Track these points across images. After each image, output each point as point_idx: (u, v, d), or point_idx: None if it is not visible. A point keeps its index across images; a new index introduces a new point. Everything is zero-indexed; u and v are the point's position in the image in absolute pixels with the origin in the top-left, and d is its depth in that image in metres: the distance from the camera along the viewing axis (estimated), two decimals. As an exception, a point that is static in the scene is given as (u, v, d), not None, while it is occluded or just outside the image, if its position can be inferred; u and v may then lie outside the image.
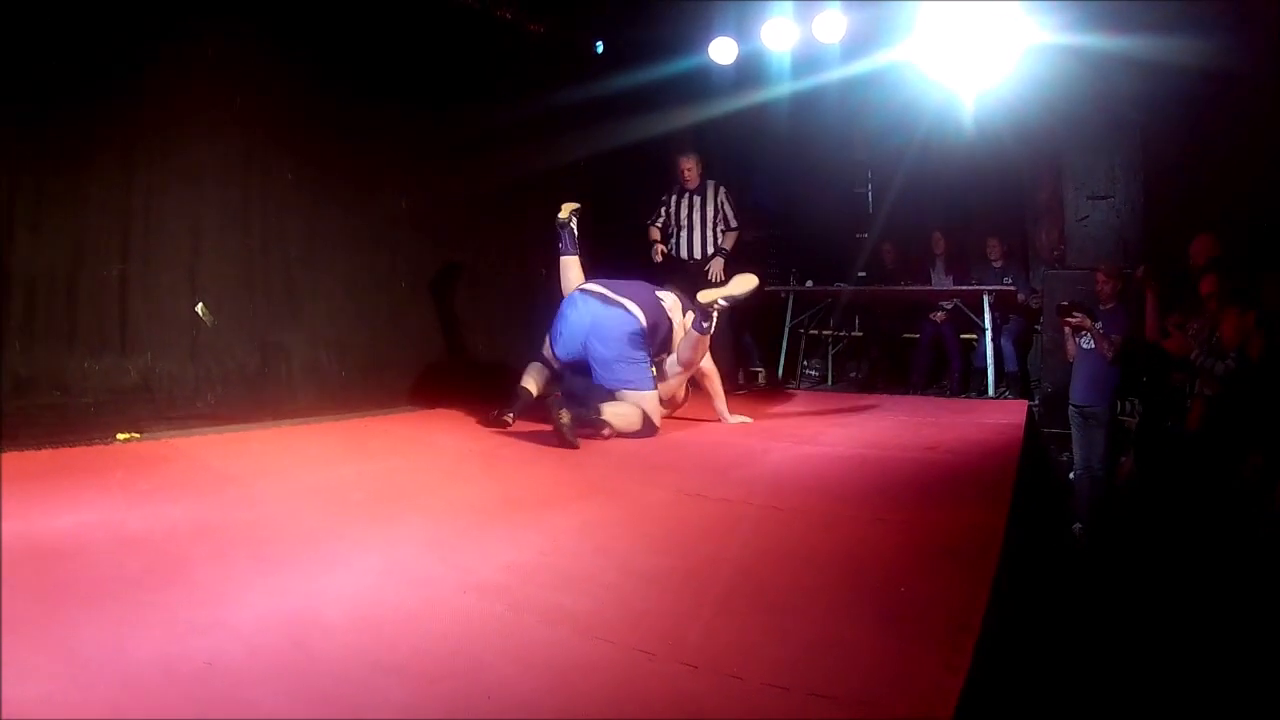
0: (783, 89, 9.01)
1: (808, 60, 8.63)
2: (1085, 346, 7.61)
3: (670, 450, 5.28)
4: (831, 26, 8.15)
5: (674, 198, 8.64)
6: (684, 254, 8.62)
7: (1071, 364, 7.77)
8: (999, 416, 6.93)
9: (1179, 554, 5.47)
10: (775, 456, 5.22)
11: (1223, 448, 5.85)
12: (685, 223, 8.61)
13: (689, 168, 8.48)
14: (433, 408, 7.03)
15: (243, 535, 3.34)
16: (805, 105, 9.50)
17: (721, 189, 8.60)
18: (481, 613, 2.56)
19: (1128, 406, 7.69)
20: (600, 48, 9.23)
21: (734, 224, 8.59)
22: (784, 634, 2.42)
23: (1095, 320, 7.52)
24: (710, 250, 8.57)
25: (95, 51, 5.38)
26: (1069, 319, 7.63)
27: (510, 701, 2.02)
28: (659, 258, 8.52)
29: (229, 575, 2.83)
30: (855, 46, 8.33)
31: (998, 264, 9.72)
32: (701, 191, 8.59)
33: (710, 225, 8.59)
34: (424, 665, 2.20)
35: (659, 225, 8.70)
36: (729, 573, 2.96)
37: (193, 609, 2.52)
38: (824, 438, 5.87)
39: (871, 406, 7.77)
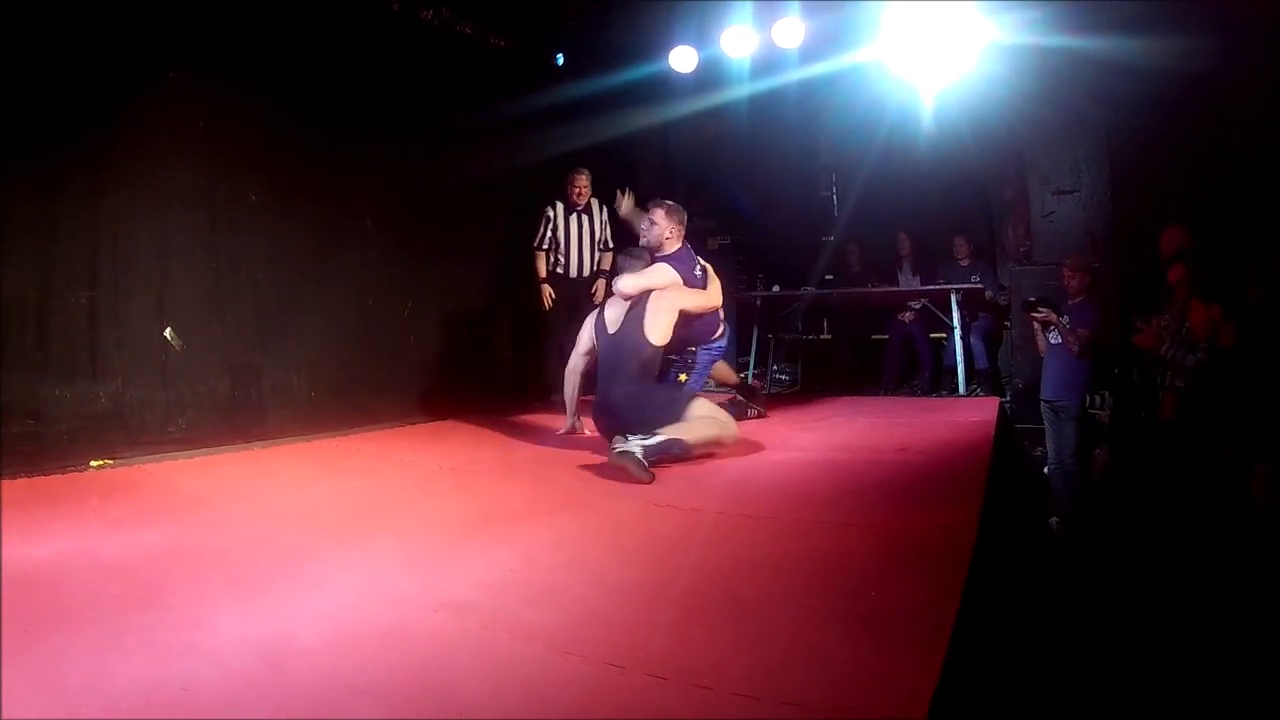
0: (744, 95, 9.04)
1: (768, 66, 8.65)
2: (1053, 341, 7.66)
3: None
4: (791, 32, 8.19)
5: (559, 215, 8.32)
6: (572, 273, 8.37)
7: (1042, 359, 7.82)
8: (970, 414, 6.96)
9: (1156, 545, 5.51)
10: (746, 463, 5.24)
11: (1196, 439, 5.91)
12: (575, 241, 8.32)
13: (583, 185, 8.24)
14: (404, 425, 7.05)
15: (217, 559, 3.34)
16: (767, 111, 9.55)
17: (605, 209, 8.34)
18: (455, 630, 2.57)
19: (1099, 400, 7.74)
20: (561, 60, 9.20)
21: (611, 245, 8.39)
22: (755, 642, 2.44)
23: (1062, 315, 7.58)
24: (593, 269, 8.39)
25: (59, 80, 5.37)
26: (1035, 314, 7.70)
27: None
28: (549, 302, 8.20)
29: (205, 599, 2.84)
30: (815, 50, 8.35)
31: (965, 262, 9.78)
32: (589, 210, 8.38)
33: (595, 244, 8.41)
34: (398, 685, 2.21)
35: (545, 248, 8.36)
36: (700, 583, 2.98)
37: (169, 634, 2.53)
38: (795, 442, 5.90)
39: (843, 409, 7.79)
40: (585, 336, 6.07)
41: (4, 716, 2.03)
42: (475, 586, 2.95)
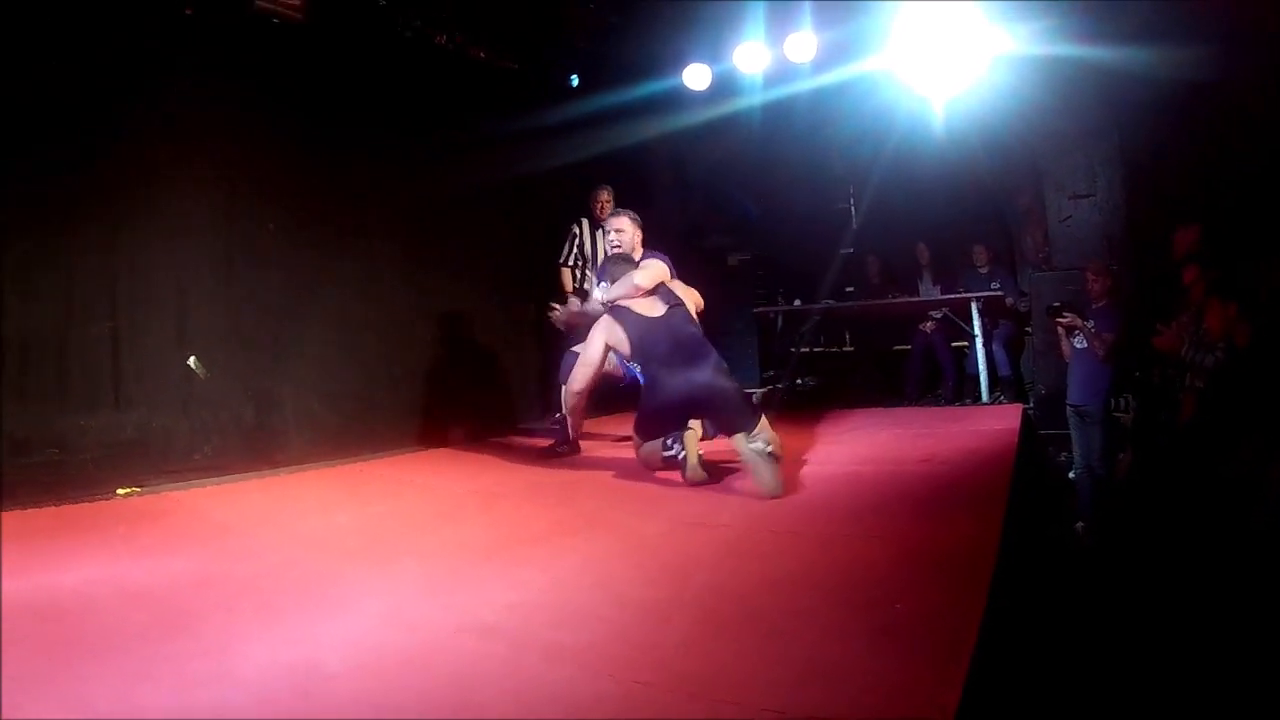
0: (757, 111, 9.05)
1: (781, 80, 8.67)
2: (1078, 346, 7.64)
3: (666, 479, 5.28)
4: (803, 46, 8.21)
5: (585, 231, 8.15)
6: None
7: (1066, 364, 7.79)
8: (994, 422, 6.97)
9: (1179, 546, 5.48)
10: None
11: (1216, 439, 5.88)
12: (601, 256, 7.77)
13: (605, 200, 8.00)
14: (426, 449, 7.07)
15: (244, 586, 3.36)
16: (781, 125, 9.55)
17: None
18: (482, 653, 2.58)
19: (1124, 403, 7.71)
20: (575, 81, 9.22)
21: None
22: (781, 658, 2.44)
23: (1086, 319, 7.56)
24: None
25: (75, 114, 5.45)
26: (1060, 319, 7.68)
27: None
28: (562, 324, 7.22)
29: (232, 626, 2.86)
30: (827, 63, 8.37)
31: (984, 270, 9.77)
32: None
33: None
34: (426, 709, 2.21)
35: (572, 264, 8.18)
36: (725, 600, 2.99)
37: (197, 660, 2.55)
38: (820, 455, 5.88)
39: (866, 421, 7.77)
40: (601, 351, 5.76)
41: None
42: (501, 609, 2.95)
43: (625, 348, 5.62)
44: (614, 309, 5.76)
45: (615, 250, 6.32)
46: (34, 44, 5.29)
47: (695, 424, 5.40)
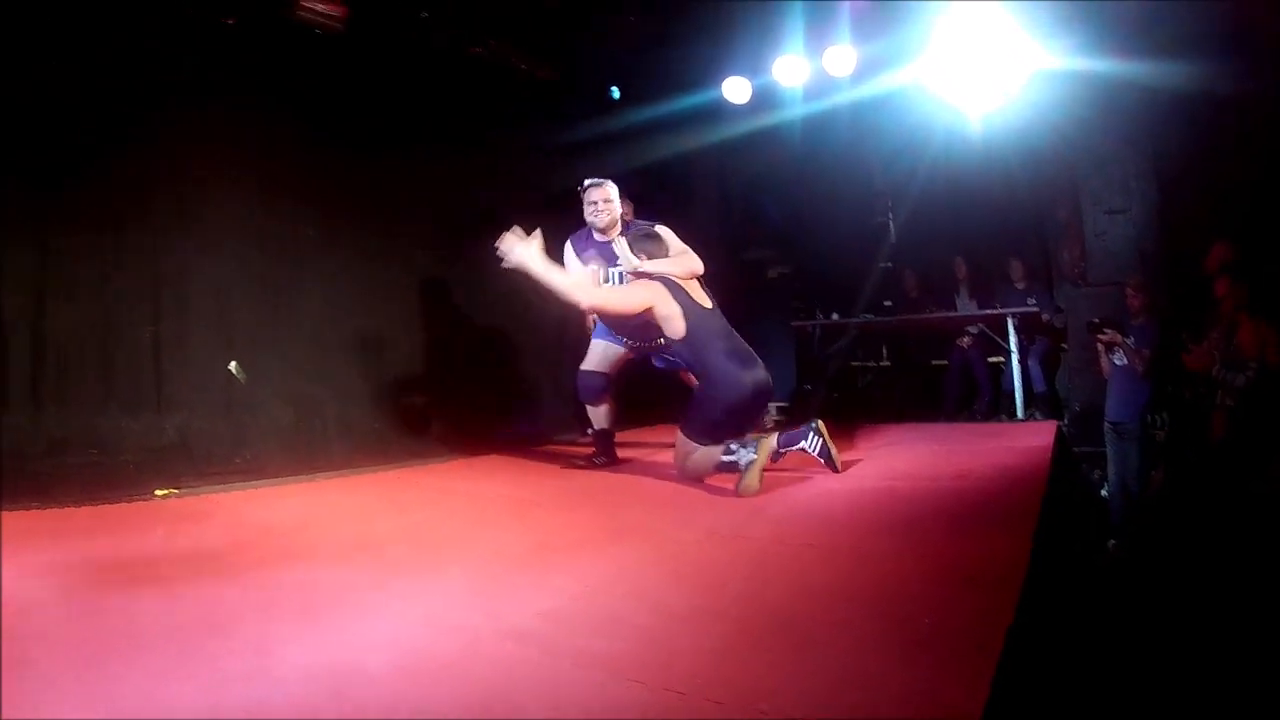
0: (797, 123, 9.10)
1: (821, 94, 8.71)
2: (1118, 363, 7.64)
3: (704, 489, 5.31)
4: (842, 59, 8.25)
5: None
6: None
7: (1101, 381, 7.80)
8: (1028, 439, 6.93)
9: (1208, 563, 5.47)
10: (808, 491, 5.23)
11: (1247, 457, 5.87)
12: None
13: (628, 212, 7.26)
14: (466, 457, 7.08)
15: (284, 588, 3.41)
16: (820, 139, 9.61)
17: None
18: (518, 659, 2.62)
19: (1159, 420, 7.69)
20: (616, 94, 9.28)
21: None
22: (812, 668, 2.47)
23: (1126, 335, 7.56)
24: None
25: (120, 121, 5.58)
26: (1100, 335, 7.66)
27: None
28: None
29: (270, 627, 2.90)
30: (866, 75, 8.40)
31: (1020, 285, 9.78)
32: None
33: None
34: (463, 711, 2.26)
35: None
36: (759, 610, 3.02)
37: (233, 659, 2.59)
38: (856, 470, 5.87)
39: (902, 436, 7.75)
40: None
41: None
42: (539, 616, 3.00)
43: (679, 326, 5.23)
44: (666, 280, 5.38)
45: (603, 220, 6.12)
46: (81, 54, 5.42)
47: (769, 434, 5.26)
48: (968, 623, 2.76)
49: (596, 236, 6.19)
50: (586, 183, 6.21)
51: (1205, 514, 6.01)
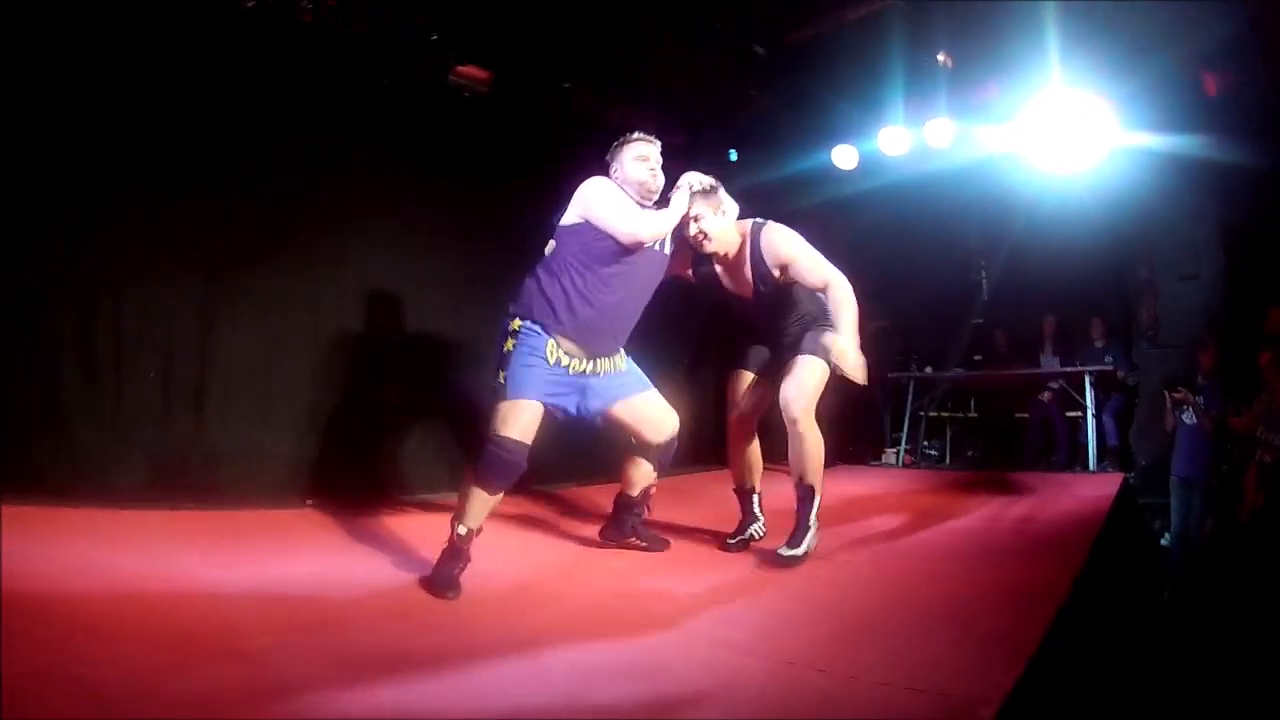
0: (899, 188, 9.71)
1: (921, 161, 9.16)
2: (1188, 421, 7.96)
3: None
4: (941, 132, 8.78)
5: None
6: None
7: (1169, 436, 8.14)
8: (1095, 489, 7.35)
9: (1250, 608, 5.81)
10: (893, 526, 5.99)
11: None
12: None
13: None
14: (588, 484, 7.33)
15: (403, 593, 4.08)
16: (919, 202, 10.22)
17: None
18: (671, 641, 3.53)
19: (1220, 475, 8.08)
20: (734, 156, 9.85)
21: None
22: (890, 653, 3.34)
23: (1197, 395, 7.93)
24: None
25: (281, 169, 6.20)
26: (1175, 394, 8.01)
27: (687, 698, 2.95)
28: None
29: (382, 626, 3.75)
30: (963, 145, 8.88)
31: (1099, 343, 10.17)
32: None
33: None
34: (631, 669, 3.14)
35: None
36: (849, 613, 3.92)
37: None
38: (938, 510, 6.54)
39: (983, 483, 8.19)
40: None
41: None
42: (679, 610, 3.90)
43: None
44: None
45: (656, 180, 4.89)
46: (252, 113, 5.99)
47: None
48: (1011, 626, 3.58)
49: (638, 198, 4.85)
50: (635, 135, 4.98)
51: (1247, 564, 6.43)
